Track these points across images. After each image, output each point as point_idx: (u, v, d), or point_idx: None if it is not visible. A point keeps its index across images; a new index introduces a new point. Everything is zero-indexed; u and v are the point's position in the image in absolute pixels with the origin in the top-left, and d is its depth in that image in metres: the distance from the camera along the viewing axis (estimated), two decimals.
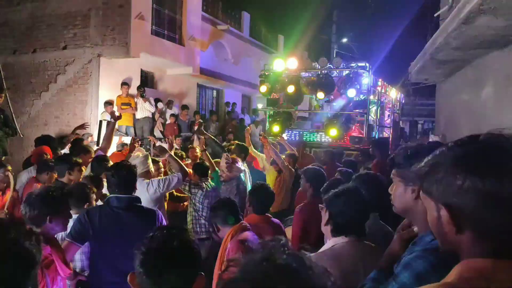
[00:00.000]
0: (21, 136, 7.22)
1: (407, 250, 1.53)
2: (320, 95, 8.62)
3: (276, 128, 9.24)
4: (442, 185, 0.91)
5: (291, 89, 8.94)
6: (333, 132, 8.45)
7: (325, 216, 2.02)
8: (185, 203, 5.23)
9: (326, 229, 2.02)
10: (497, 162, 0.86)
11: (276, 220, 3.22)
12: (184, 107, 11.51)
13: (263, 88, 9.27)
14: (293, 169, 5.36)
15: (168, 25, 10.88)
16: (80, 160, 3.90)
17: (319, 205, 2.11)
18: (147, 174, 3.79)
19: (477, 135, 0.91)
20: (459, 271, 0.90)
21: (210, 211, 2.92)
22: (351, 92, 8.48)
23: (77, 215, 2.61)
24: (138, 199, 2.73)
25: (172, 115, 10.99)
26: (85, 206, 2.91)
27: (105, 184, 3.31)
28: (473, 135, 0.92)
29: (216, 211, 2.78)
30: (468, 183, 0.86)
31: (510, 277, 0.84)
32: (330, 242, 1.99)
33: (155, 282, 1.25)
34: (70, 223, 2.43)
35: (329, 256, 1.90)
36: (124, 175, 2.67)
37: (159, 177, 3.84)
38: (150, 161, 3.89)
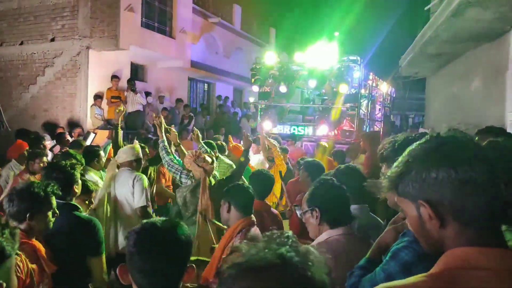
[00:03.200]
0: (9, 129, 7.12)
1: (397, 241, 1.55)
2: (312, 83, 8.61)
3: (267, 122, 9.24)
4: (417, 182, 0.92)
5: (283, 89, 8.98)
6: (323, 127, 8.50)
7: (312, 217, 2.00)
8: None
9: (319, 229, 2.01)
10: (463, 151, 0.89)
11: (274, 210, 3.22)
12: (179, 101, 11.46)
13: (255, 83, 9.26)
14: (284, 164, 5.36)
15: (158, 18, 10.76)
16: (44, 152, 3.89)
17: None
18: (131, 164, 3.70)
19: (438, 133, 0.96)
20: (445, 261, 0.90)
21: (229, 188, 2.62)
22: (343, 88, 8.50)
23: None
24: (72, 206, 2.54)
25: (164, 108, 10.93)
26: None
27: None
28: (435, 132, 0.97)
29: (237, 191, 2.57)
30: (442, 174, 0.88)
31: (495, 265, 0.85)
32: (325, 234, 2.00)
33: (146, 261, 1.24)
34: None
35: (325, 249, 1.91)
36: (55, 177, 2.48)
37: (143, 182, 3.64)
38: (137, 151, 3.78)
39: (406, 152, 0.97)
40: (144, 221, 1.33)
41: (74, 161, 2.75)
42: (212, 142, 4.96)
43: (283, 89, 8.95)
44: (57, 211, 2.23)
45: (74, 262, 2.40)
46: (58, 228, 2.37)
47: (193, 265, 1.34)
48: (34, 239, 2.10)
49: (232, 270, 0.78)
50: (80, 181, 2.77)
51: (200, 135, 4.45)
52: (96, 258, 2.49)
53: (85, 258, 2.47)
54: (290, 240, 0.81)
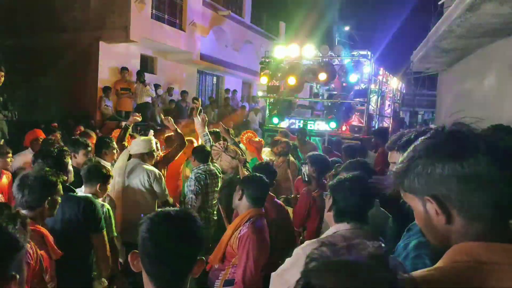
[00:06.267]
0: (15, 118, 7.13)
1: (403, 237, 1.54)
2: (322, 76, 8.50)
3: (276, 116, 9.21)
4: (423, 177, 0.92)
5: (292, 80, 8.87)
6: (333, 123, 8.44)
7: (328, 202, 2.03)
8: None
9: (329, 216, 2.02)
10: (469, 145, 0.88)
11: (278, 201, 3.24)
12: (184, 92, 11.47)
13: (264, 76, 9.22)
14: (292, 160, 5.33)
15: (168, 10, 10.75)
16: (89, 143, 3.94)
17: (324, 192, 2.11)
18: (142, 156, 3.74)
19: (443, 127, 0.95)
20: (451, 255, 0.91)
21: (246, 177, 2.70)
22: (353, 77, 8.40)
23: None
24: (65, 188, 2.50)
25: (171, 100, 10.96)
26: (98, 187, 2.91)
27: None
28: (439, 126, 0.96)
29: (253, 182, 2.62)
30: (448, 169, 0.88)
31: (500, 259, 0.85)
32: (333, 228, 1.99)
33: (158, 248, 1.24)
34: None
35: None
36: (40, 164, 2.62)
37: (161, 178, 3.74)
38: (153, 145, 3.81)
39: (411, 148, 0.97)
40: (159, 209, 1.35)
41: (65, 148, 2.84)
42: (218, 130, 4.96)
43: (291, 80, 8.87)
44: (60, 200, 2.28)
45: (76, 243, 2.46)
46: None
47: (203, 257, 1.34)
48: (40, 226, 2.13)
49: (322, 266, 0.76)
50: (71, 169, 2.83)
51: (207, 120, 4.51)
52: (97, 235, 2.56)
53: (86, 237, 2.53)
54: (372, 247, 0.78)
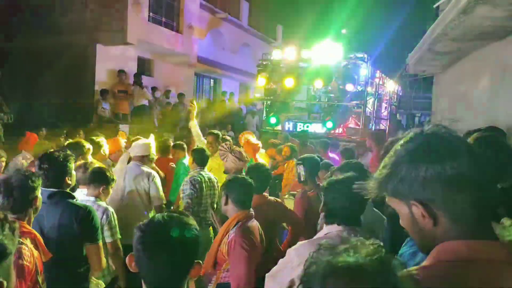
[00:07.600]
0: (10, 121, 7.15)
1: (408, 241, 1.54)
2: (318, 83, 8.57)
3: (273, 118, 9.23)
4: (407, 181, 0.92)
5: (289, 82, 8.90)
6: (329, 123, 8.47)
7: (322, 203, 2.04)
8: None
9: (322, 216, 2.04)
10: (449, 147, 0.89)
11: (272, 198, 3.22)
12: (181, 95, 11.48)
13: (261, 78, 9.24)
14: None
15: (165, 12, 10.77)
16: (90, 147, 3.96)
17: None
18: (142, 159, 3.78)
19: (421, 130, 0.95)
20: (436, 254, 0.92)
21: (228, 181, 2.67)
22: (349, 87, 8.48)
23: None
24: (66, 194, 2.53)
25: (168, 103, 10.97)
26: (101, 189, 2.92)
27: None
28: (418, 129, 0.96)
29: (235, 185, 2.60)
30: (431, 172, 0.88)
31: (483, 256, 0.87)
32: (325, 230, 2.00)
33: (151, 258, 1.24)
34: None
35: None
36: (46, 168, 2.47)
37: (159, 180, 3.76)
38: (152, 149, 3.87)
39: (392, 153, 0.97)
40: (151, 216, 1.33)
41: (68, 152, 2.79)
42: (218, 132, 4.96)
43: (289, 82, 8.89)
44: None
45: (70, 249, 2.43)
46: (52, 216, 2.40)
47: (200, 261, 1.33)
48: (30, 227, 2.12)
49: (322, 269, 0.75)
50: (74, 173, 2.80)
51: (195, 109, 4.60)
52: (92, 245, 2.50)
53: (82, 246, 2.49)
54: (375, 248, 0.78)
